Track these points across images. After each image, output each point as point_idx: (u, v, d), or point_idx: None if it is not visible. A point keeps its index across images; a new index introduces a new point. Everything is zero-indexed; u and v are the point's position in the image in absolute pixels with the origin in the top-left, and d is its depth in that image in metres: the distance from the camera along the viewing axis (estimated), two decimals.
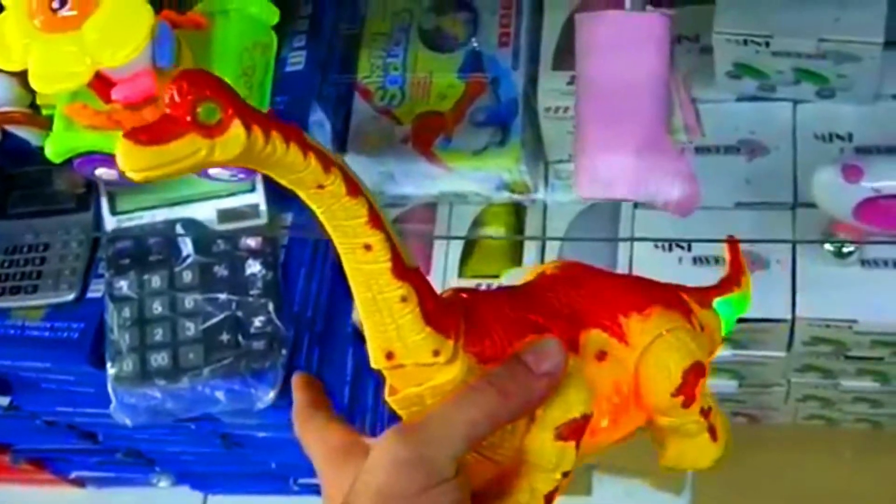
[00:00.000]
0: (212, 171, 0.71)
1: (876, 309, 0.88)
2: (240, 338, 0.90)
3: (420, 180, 0.96)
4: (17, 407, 1.11)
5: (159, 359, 0.91)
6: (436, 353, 0.41)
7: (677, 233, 0.88)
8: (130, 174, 0.35)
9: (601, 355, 0.46)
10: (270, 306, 0.91)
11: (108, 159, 0.69)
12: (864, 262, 0.88)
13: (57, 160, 0.70)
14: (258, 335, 0.90)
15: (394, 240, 0.40)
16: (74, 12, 0.58)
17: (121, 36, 0.58)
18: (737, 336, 0.96)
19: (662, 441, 0.50)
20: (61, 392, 1.05)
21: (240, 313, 0.91)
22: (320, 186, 0.38)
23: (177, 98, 0.35)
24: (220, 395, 0.90)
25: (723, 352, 1.00)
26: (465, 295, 0.45)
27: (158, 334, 0.92)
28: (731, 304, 0.55)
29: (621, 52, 0.67)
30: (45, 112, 0.71)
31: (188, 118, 0.35)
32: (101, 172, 0.71)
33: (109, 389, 0.93)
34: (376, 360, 0.42)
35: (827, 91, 0.89)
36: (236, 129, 0.35)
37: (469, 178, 0.95)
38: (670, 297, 0.49)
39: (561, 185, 0.98)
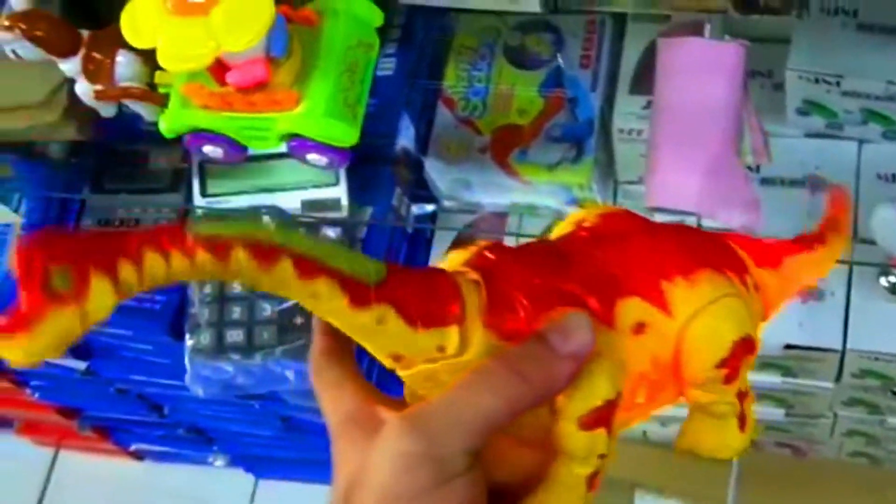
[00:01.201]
0: (309, 157, 0.77)
1: None
2: (312, 322, 0.95)
3: (494, 190, 1.00)
4: (94, 372, 1.17)
5: (235, 335, 0.97)
6: (440, 349, 0.38)
7: None
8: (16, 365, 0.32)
9: (639, 328, 0.41)
10: None
11: (217, 138, 0.75)
12: None
13: (170, 135, 0.76)
14: None
15: (342, 273, 0.36)
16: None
17: (244, 24, 0.64)
18: (787, 363, 0.99)
19: (687, 420, 0.46)
20: (138, 361, 1.11)
21: None
22: (233, 276, 0.34)
23: (26, 273, 0.30)
24: (289, 374, 0.95)
25: (772, 378, 1.03)
26: (490, 255, 0.40)
27: (236, 312, 0.97)
28: (807, 265, 0.49)
29: (698, 76, 0.71)
30: (161, 90, 0.77)
31: (43, 294, 0.30)
32: (209, 150, 0.77)
33: (186, 360, 0.98)
34: (388, 365, 0.39)
35: (892, 133, 0.92)
36: (98, 283, 0.31)
37: (541, 191, 0.99)
38: (721, 256, 0.44)
39: (629, 205, 1.02)
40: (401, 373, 0.39)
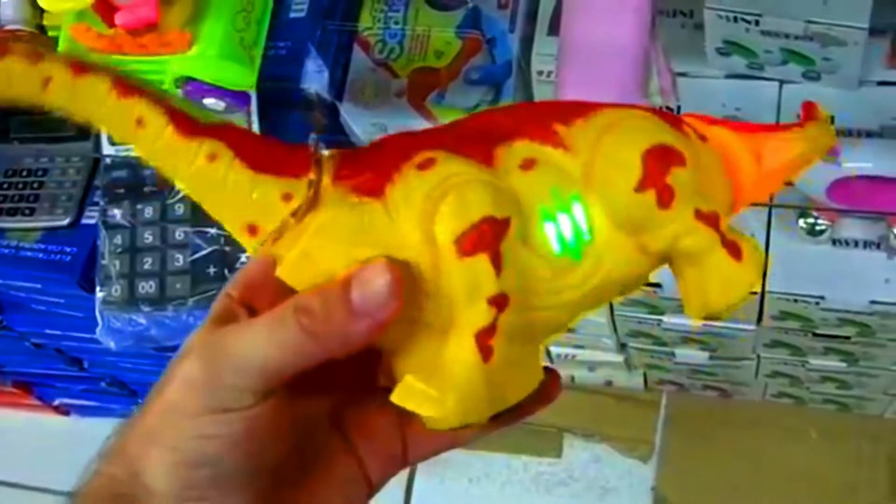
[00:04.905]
0: (206, 101, 0.74)
1: (843, 287, 0.91)
2: (226, 271, 0.93)
3: None
4: (8, 327, 1.14)
5: (147, 286, 0.94)
6: (286, 197, 0.35)
7: None
8: None
9: (528, 163, 0.36)
10: None
11: None
12: (834, 242, 0.91)
13: None
14: None
15: (169, 101, 0.35)
16: None
17: None
18: None
19: (679, 284, 0.38)
20: (50, 314, 1.08)
21: (227, 248, 0.93)
22: (45, 84, 0.34)
23: None
24: None
25: (694, 322, 1.03)
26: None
27: (148, 263, 0.95)
28: (787, 145, 0.40)
29: (603, 14, 0.69)
30: (50, 34, 0.74)
31: None
32: None
33: (97, 313, 0.95)
34: (246, 243, 0.36)
35: (813, 73, 0.91)
36: None
37: None
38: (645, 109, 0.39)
39: None
40: (280, 274, 0.37)
